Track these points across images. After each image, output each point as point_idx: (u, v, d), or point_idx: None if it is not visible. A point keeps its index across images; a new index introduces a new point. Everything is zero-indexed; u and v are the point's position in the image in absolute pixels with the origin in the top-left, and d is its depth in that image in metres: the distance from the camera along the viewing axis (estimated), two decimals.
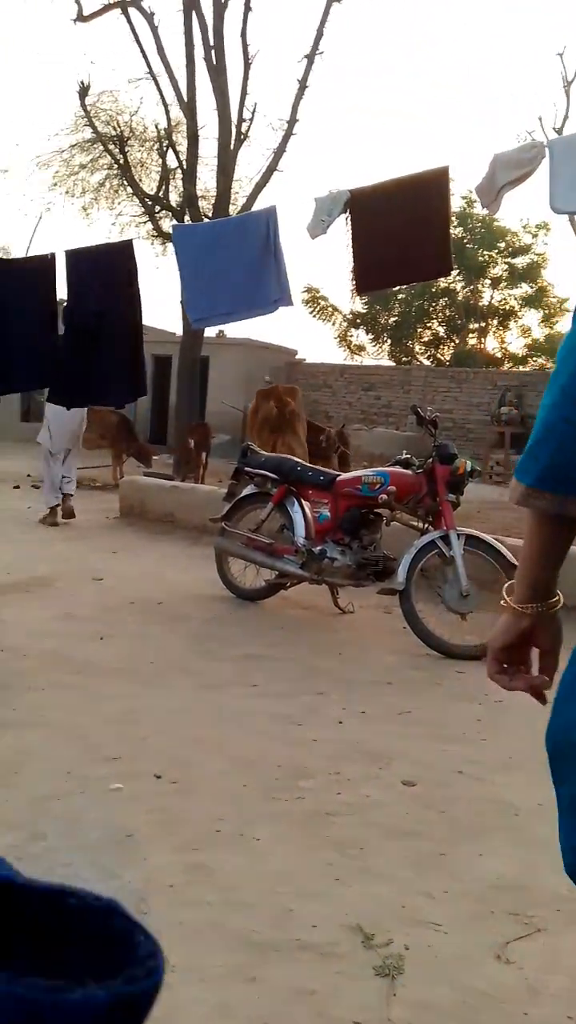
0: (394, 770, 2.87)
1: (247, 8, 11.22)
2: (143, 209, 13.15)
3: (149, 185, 13.29)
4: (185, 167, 12.05)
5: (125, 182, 13.12)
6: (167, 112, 12.25)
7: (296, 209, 5.06)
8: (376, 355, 22.63)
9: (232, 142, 11.57)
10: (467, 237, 20.22)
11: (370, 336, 22.61)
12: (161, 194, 12.66)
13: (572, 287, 23.36)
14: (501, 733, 3.28)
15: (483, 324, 22.04)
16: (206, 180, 13.07)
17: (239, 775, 2.74)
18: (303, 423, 9.44)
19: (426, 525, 4.70)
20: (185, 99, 11.64)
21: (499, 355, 22.12)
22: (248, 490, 5.33)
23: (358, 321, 22.29)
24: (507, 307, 21.73)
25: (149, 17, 11.41)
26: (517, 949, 1.91)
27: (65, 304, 5.03)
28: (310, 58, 11.31)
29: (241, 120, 11.59)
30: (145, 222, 13.68)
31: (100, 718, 3.17)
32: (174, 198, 12.91)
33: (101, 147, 13.11)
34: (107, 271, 4.86)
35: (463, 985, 1.78)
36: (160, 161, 12.87)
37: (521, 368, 20.27)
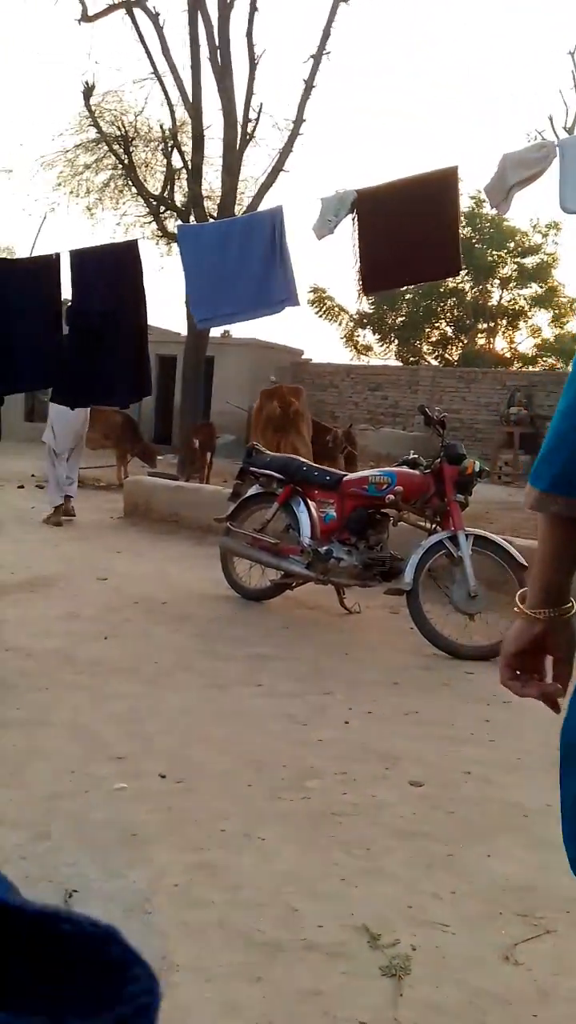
0: (401, 770, 2.85)
1: (253, 8, 11.21)
2: (148, 209, 13.16)
3: (154, 185, 13.30)
4: (190, 167, 12.05)
5: (130, 182, 13.12)
6: (172, 112, 12.26)
7: (302, 209, 5.04)
8: (383, 355, 22.62)
9: (238, 142, 11.56)
10: (476, 237, 20.19)
11: (377, 336, 22.59)
12: (166, 194, 12.66)
13: None
14: (509, 734, 3.26)
15: (492, 324, 22.00)
16: (211, 180, 13.08)
17: (245, 775, 2.73)
18: (307, 423, 9.43)
19: (434, 525, 4.68)
20: (190, 99, 11.64)
21: (508, 355, 22.08)
22: (253, 490, 5.32)
23: (365, 321, 22.27)
24: (516, 307, 21.69)
25: (154, 17, 11.41)
26: (526, 950, 1.90)
27: (69, 304, 5.03)
28: (316, 58, 11.30)
29: (247, 120, 11.58)
30: (150, 222, 13.69)
31: (105, 717, 3.16)
32: (179, 198, 12.91)
33: (106, 147, 13.13)
34: (112, 271, 4.86)
35: (471, 986, 1.76)
36: (165, 161, 12.86)
37: (530, 368, 20.22)
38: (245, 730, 3.14)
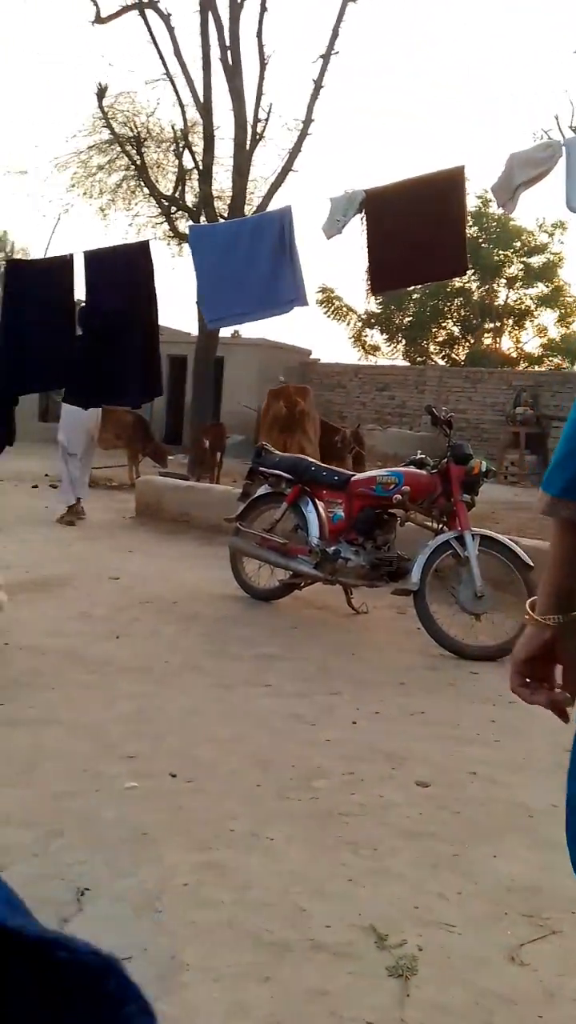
0: (408, 771, 2.87)
1: (263, 8, 11.24)
2: (159, 210, 13.20)
3: (165, 186, 13.33)
4: (201, 168, 12.09)
5: (142, 183, 13.16)
6: (183, 113, 12.30)
7: (311, 209, 5.05)
8: (390, 355, 22.62)
9: (248, 142, 11.59)
10: (482, 236, 20.17)
11: (385, 336, 22.60)
12: (177, 195, 12.69)
13: None
14: (515, 735, 3.27)
15: (498, 324, 21.97)
16: (222, 180, 13.11)
17: (253, 774, 2.75)
18: (314, 423, 9.45)
19: (440, 525, 4.69)
20: (201, 100, 11.68)
21: (514, 355, 22.04)
22: (262, 490, 5.34)
23: (373, 321, 22.27)
24: (523, 307, 21.65)
25: (166, 18, 11.46)
26: (532, 951, 1.91)
27: (82, 305, 5.07)
28: (325, 58, 11.32)
29: (256, 120, 11.62)
30: (161, 223, 13.73)
31: (116, 716, 3.19)
32: (190, 199, 12.95)
33: (118, 148, 13.17)
34: (124, 272, 4.89)
35: (477, 987, 1.78)
36: (176, 162, 12.89)
37: (536, 368, 20.18)
38: (253, 730, 3.16)
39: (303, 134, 11.57)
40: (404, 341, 22.38)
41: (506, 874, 2.24)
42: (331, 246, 4.88)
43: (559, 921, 2.03)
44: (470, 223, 17.13)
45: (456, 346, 22.51)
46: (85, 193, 14.54)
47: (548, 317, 21.69)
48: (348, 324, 22.42)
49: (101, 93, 12.01)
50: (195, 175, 12.55)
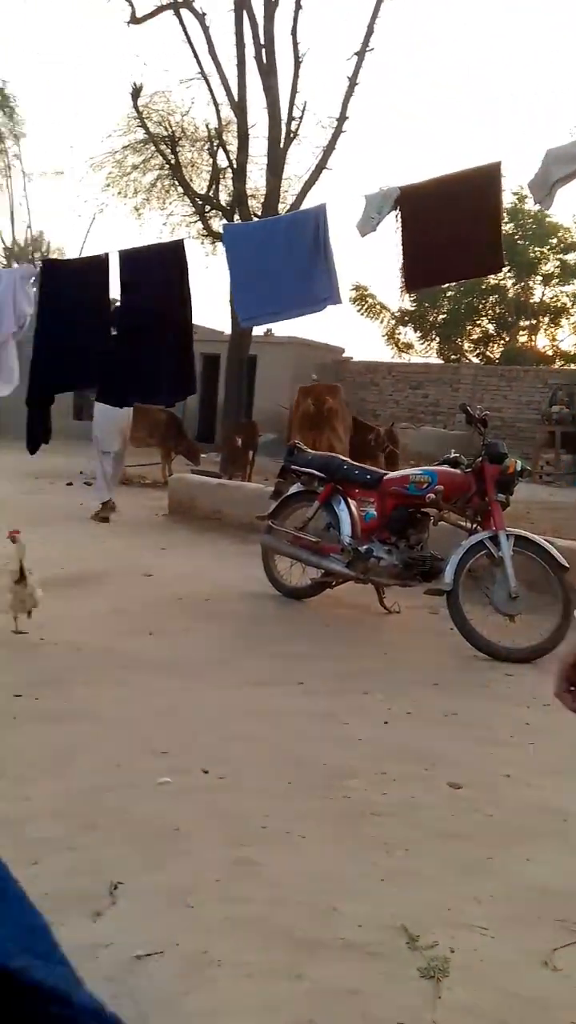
0: (440, 772, 2.85)
1: (298, 6, 11.23)
2: (193, 209, 13.28)
3: (199, 185, 13.40)
4: (235, 166, 12.12)
5: (176, 182, 13.25)
6: (218, 112, 12.35)
7: (345, 206, 5.04)
8: (424, 353, 22.47)
9: (282, 140, 11.60)
10: (518, 233, 19.92)
11: (418, 334, 22.45)
12: (211, 193, 12.75)
13: None
14: (549, 737, 3.23)
15: (534, 321, 21.70)
16: (255, 179, 13.14)
17: (285, 772, 2.76)
18: (343, 421, 9.43)
19: (474, 525, 4.65)
20: (236, 98, 11.71)
21: (550, 353, 21.76)
22: (295, 488, 5.35)
23: (406, 319, 22.13)
24: (559, 304, 21.36)
25: (200, 17, 11.50)
26: (564, 956, 1.89)
27: (117, 304, 5.11)
28: (360, 55, 11.28)
29: (291, 118, 11.61)
30: (195, 222, 13.81)
31: (149, 712, 3.21)
32: (224, 197, 13.00)
33: (153, 148, 13.26)
34: (159, 271, 4.93)
35: (509, 991, 1.77)
36: (210, 161, 12.96)
37: (573, 366, 19.90)
38: (285, 728, 3.17)
39: (337, 132, 11.55)
40: (438, 339, 22.22)
41: (539, 878, 2.22)
42: (364, 243, 4.86)
43: None
44: (505, 219, 16.95)
45: (491, 344, 22.28)
46: (120, 193, 14.69)
47: None
48: (381, 322, 22.32)
49: (136, 93, 12.10)
50: (229, 174, 12.60)
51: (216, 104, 12.20)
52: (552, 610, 4.25)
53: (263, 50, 11.32)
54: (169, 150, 12.61)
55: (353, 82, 11.40)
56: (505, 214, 12.21)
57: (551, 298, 21.42)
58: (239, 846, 2.27)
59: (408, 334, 22.60)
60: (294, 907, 2.01)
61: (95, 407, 7.71)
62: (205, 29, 11.50)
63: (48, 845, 2.19)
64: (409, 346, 22.63)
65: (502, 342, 21.90)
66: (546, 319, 21.72)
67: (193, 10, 11.55)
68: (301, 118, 11.68)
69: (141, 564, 5.80)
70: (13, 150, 22.43)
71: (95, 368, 5.01)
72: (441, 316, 21.66)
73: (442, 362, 20.73)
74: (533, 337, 22.03)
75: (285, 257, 4.97)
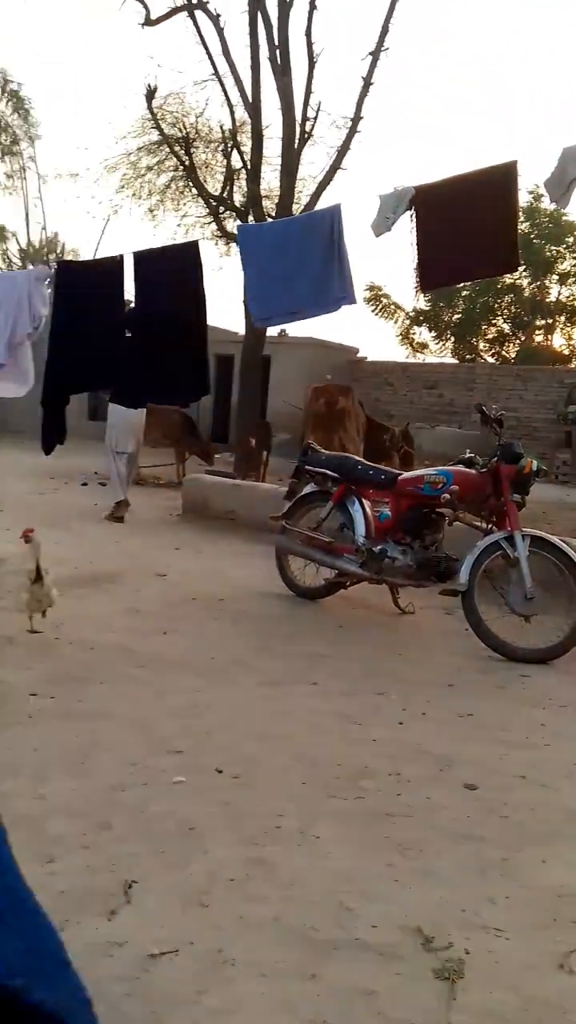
0: (455, 773, 2.84)
1: (312, 7, 11.22)
2: (208, 210, 13.29)
3: (214, 186, 13.42)
4: (249, 167, 12.13)
5: (190, 183, 13.28)
6: (232, 113, 12.35)
7: (359, 206, 5.04)
8: (439, 353, 22.39)
9: (296, 141, 11.59)
10: (534, 232, 19.82)
11: (433, 334, 22.38)
12: (225, 195, 12.77)
13: None
14: (565, 739, 3.22)
15: (550, 321, 21.58)
16: (270, 180, 13.14)
17: (300, 772, 2.76)
18: (355, 421, 9.43)
19: (490, 525, 4.63)
20: (250, 99, 11.72)
21: (566, 352, 21.63)
22: (308, 488, 5.35)
23: (421, 318, 22.07)
24: (575, 303, 21.22)
25: (215, 19, 11.52)
26: None
27: (132, 305, 5.13)
28: (375, 55, 11.25)
29: (305, 119, 11.61)
30: (209, 223, 13.83)
31: (164, 711, 3.22)
32: (238, 198, 13.01)
33: (167, 149, 13.29)
34: (173, 272, 4.94)
35: (525, 993, 1.76)
36: (224, 162, 12.98)
37: None
38: (300, 728, 3.17)
39: (352, 132, 11.53)
40: (453, 338, 22.14)
41: (555, 880, 2.21)
42: (378, 243, 4.85)
43: None
44: (521, 218, 16.87)
45: (506, 343, 22.18)
46: (134, 194, 14.72)
47: None
48: (396, 322, 22.26)
49: (150, 94, 12.13)
50: (243, 175, 12.60)
51: (230, 105, 12.22)
52: (568, 611, 4.23)
53: (277, 51, 11.31)
54: (183, 151, 12.63)
55: (368, 82, 11.38)
56: (521, 213, 12.17)
57: (567, 297, 21.30)
58: (254, 845, 2.27)
59: (423, 334, 22.55)
60: (309, 907, 2.01)
61: (109, 408, 7.74)
62: (219, 30, 11.52)
63: (64, 843, 2.20)
64: (424, 346, 22.58)
65: (518, 342, 21.79)
66: (562, 318, 21.59)
67: (207, 11, 11.57)
68: (315, 118, 11.68)
69: (155, 564, 5.82)
70: (28, 152, 22.55)
71: (110, 369, 5.03)
72: (456, 316, 21.58)
73: (457, 362, 20.66)
74: (549, 336, 21.92)
75: (299, 258, 4.97)
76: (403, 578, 4.80)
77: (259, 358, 12.37)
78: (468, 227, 4.67)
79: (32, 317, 4.86)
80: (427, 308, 21.68)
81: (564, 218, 19.56)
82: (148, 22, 11.84)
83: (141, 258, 4.95)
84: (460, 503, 4.62)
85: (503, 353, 21.97)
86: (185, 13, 11.69)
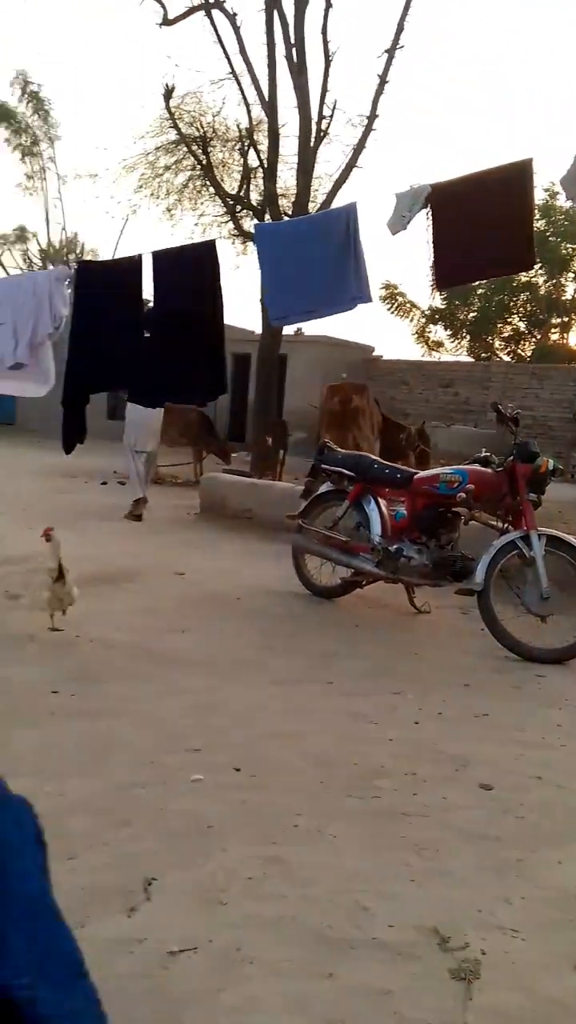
0: (471, 773, 2.85)
1: (328, 5, 11.20)
2: (225, 209, 13.30)
3: (231, 185, 13.43)
4: (266, 166, 12.13)
5: (207, 182, 13.28)
6: (249, 112, 12.36)
7: (375, 205, 5.03)
8: (455, 351, 22.29)
9: (312, 139, 11.58)
10: (550, 230, 19.67)
11: (448, 332, 22.27)
12: (242, 193, 12.77)
13: None
14: None
15: (566, 319, 21.41)
16: (286, 178, 13.13)
17: (316, 771, 2.77)
18: (369, 420, 9.41)
19: (506, 525, 4.62)
20: (266, 98, 11.72)
21: None
22: (324, 487, 5.35)
23: (436, 317, 21.98)
24: None
25: (231, 17, 11.52)
26: None
27: (150, 304, 5.15)
28: (390, 53, 11.22)
29: (321, 117, 11.60)
30: (226, 222, 13.84)
31: (181, 710, 3.25)
32: (255, 197, 13.01)
33: (185, 149, 13.31)
34: (191, 271, 4.95)
35: (540, 994, 1.76)
36: (241, 161, 12.98)
37: None
38: (316, 727, 3.18)
39: (367, 130, 11.50)
40: (468, 337, 22.02)
41: (572, 880, 2.21)
42: (394, 242, 4.84)
43: None
44: (537, 216, 16.75)
45: (522, 342, 22.03)
46: (152, 194, 14.75)
47: None
48: (411, 320, 22.16)
49: (168, 94, 12.15)
50: (260, 173, 12.60)
51: (247, 104, 12.23)
52: None
53: (293, 49, 11.31)
54: (201, 151, 12.65)
55: (384, 80, 11.34)
56: (536, 210, 12.05)
57: None
58: (271, 844, 2.29)
59: (438, 332, 22.43)
60: (325, 906, 2.02)
61: (128, 407, 7.78)
62: (236, 29, 11.53)
63: (83, 840, 2.23)
64: (439, 344, 22.47)
65: (533, 340, 21.65)
66: None
67: (224, 10, 11.57)
68: (331, 117, 11.66)
69: (173, 563, 5.85)
70: (48, 153, 22.68)
71: (129, 369, 5.05)
72: (472, 314, 21.47)
73: (473, 360, 20.56)
74: (565, 335, 21.74)
75: (316, 256, 4.97)
76: (419, 577, 4.80)
77: (275, 357, 12.38)
78: (484, 225, 4.65)
79: (53, 317, 4.89)
80: (443, 306, 21.58)
81: None
82: (166, 22, 11.86)
83: (159, 258, 4.97)
84: (476, 502, 4.61)
85: (519, 351, 21.83)
86: (202, 12, 11.70)
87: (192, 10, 11.80)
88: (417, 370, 17.57)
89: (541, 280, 20.79)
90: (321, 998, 1.71)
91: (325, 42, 11.34)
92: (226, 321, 5.14)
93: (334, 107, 11.65)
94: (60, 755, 2.77)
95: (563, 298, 21.07)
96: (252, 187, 13.02)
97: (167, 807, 2.46)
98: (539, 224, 18.18)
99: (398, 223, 4.83)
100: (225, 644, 4.17)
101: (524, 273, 17.46)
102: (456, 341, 22.28)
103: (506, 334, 22.21)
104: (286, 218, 11.10)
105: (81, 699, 3.28)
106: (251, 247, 11.16)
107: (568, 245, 20.04)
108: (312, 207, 11.60)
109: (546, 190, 18.13)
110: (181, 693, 3.43)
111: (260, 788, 2.63)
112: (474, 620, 4.56)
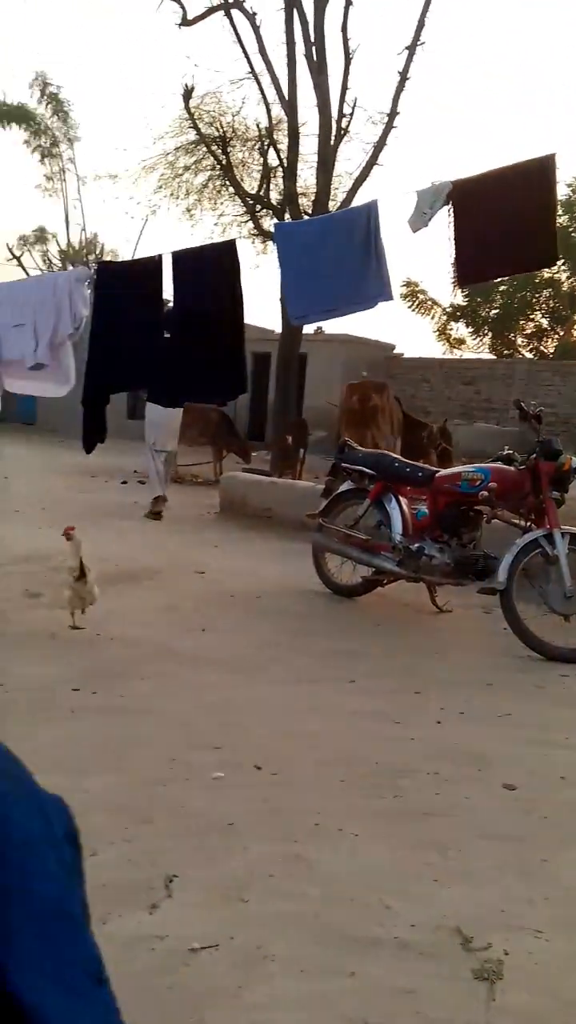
0: (494, 773, 2.83)
1: (348, 2, 11.18)
2: (244, 208, 13.31)
3: (250, 184, 13.44)
4: (286, 165, 12.13)
5: (227, 182, 13.31)
6: (268, 111, 12.36)
7: (396, 202, 5.00)
8: (476, 349, 22.15)
9: (332, 138, 11.56)
10: (573, 226, 19.49)
11: (470, 329, 22.13)
12: (262, 193, 12.78)
13: None
14: None
15: None
16: (306, 177, 13.12)
17: (337, 770, 2.77)
18: (389, 418, 9.39)
19: (528, 523, 4.59)
20: (286, 97, 11.71)
21: None
22: (345, 486, 5.34)
23: (458, 314, 21.85)
24: None
25: (251, 17, 11.53)
26: None
27: (171, 304, 5.16)
28: (411, 49, 11.17)
29: (341, 115, 11.57)
30: (246, 221, 13.85)
31: (203, 708, 3.25)
32: (275, 196, 13.01)
33: (204, 148, 13.34)
34: (211, 271, 4.96)
35: (564, 996, 1.75)
36: (261, 160, 12.99)
37: None
38: (337, 725, 3.18)
39: (388, 127, 11.46)
40: (490, 334, 21.88)
41: None
42: (415, 239, 4.83)
43: None
44: (560, 212, 16.60)
45: (545, 338, 21.85)
46: (172, 194, 14.81)
47: None
48: (433, 318, 22.05)
49: (187, 94, 12.19)
50: (280, 172, 12.60)
51: (267, 103, 12.23)
52: None
53: (313, 47, 11.29)
54: (220, 150, 12.67)
55: (404, 77, 11.29)
56: (559, 206, 11.95)
57: None
58: (292, 842, 2.29)
59: (460, 329, 22.30)
60: (347, 904, 2.02)
61: (147, 406, 7.82)
62: (255, 28, 11.53)
63: (106, 837, 2.23)
64: (461, 342, 22.34)
65: (556, 336, 21.46)
66: None
67: (244, 10, 11.58)
68: (351, 115, 11.63)
69: (194, 561, 5.87)
70: (67, 154, 22.80)
71: (150, 369, 5.06)
72: (493, 311, 21.32)
73: (495, 357, 20.43)
74: None
75: (336, 255, 4.96)
76: (441, 576, 4.78)
77: (295, 356, 12.37)
78: (506, 221, 4.62)
79: (73, 318, 4.92)
80: (464, 303, 21.44)
81: None
82: (185, 22, 11.89)
83: (179, 258, 4.98)
84: (498, 500, 4.58)
85: (541, 348, 21.64)
86: (221, 12, 11.72)
87: (212, 10, 11.83)
88: (439, 367, 17.49)
89: (564, 276, 20.59)
90: (343, 997, 1.70)
91: (345, 40, 11.32)
92: (246, 320, 5.15)
93: (354, 105, 11.62)
94: (81, 752, 2.78)
95: None
96: (272, 186, 13.03)
97: (188, 804, 2.46)
98: (562, 220, 18.02)
99: (419, 220, 4.80)
100: (246, 642, 4.18)
101: (547, 269, 17.33)
102: (478, 338, 22.13)
103: (528, 331, 22.03)
104: (306, 217, 11.08)
105: (102, 697, 3.30)
106: (271, 246, 11.16)
107: None
108: (332, 206, 11.58)
109: (569, 185, 18.00)
110: (203, 691, 3.44)
111: (281, 786, 2.63)
112: (497, 619, 4.53)
